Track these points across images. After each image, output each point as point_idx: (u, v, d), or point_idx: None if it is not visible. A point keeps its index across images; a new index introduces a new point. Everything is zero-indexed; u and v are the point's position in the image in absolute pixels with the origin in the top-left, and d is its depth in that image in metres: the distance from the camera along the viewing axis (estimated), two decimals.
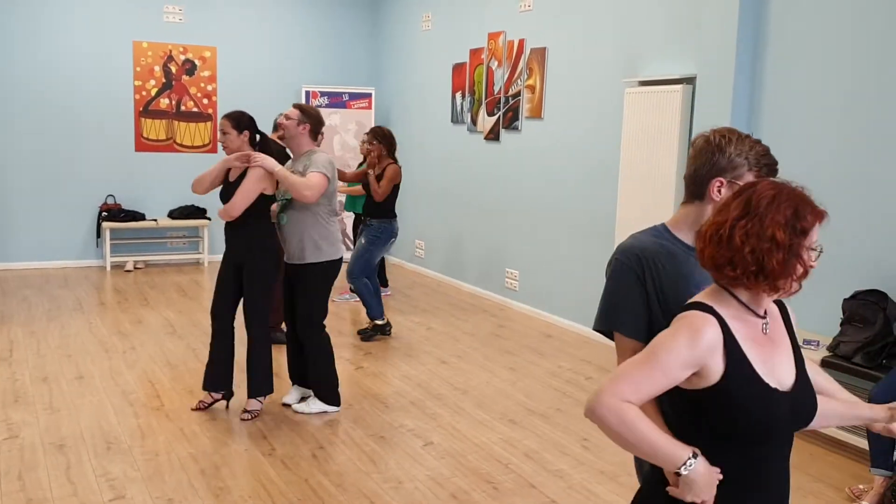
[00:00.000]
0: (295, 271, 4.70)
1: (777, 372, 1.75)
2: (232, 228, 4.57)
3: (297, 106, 4.77)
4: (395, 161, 6.54)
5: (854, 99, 4.64)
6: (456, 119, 8.55)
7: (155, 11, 9.19)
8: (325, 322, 4.82)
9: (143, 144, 9.31)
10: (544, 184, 7.21)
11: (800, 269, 1.69)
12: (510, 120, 7.63)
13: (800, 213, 1.68)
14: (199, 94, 9.50)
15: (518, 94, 7.49)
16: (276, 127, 6.35)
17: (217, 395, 4.76)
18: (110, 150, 9.15)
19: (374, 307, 6.41)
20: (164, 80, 9.32)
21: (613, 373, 1.74)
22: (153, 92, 9.30)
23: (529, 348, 6.33)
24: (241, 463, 4.08)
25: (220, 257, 4.79)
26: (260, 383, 4.66)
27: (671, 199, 5.53)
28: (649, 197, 5.75)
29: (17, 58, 8.61)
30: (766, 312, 1.79)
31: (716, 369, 1.69)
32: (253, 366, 4.64)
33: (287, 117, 4.68)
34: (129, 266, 9.08)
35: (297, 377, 4.94)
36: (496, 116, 7.83)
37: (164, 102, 9.35)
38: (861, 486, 3.90)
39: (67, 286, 8.09)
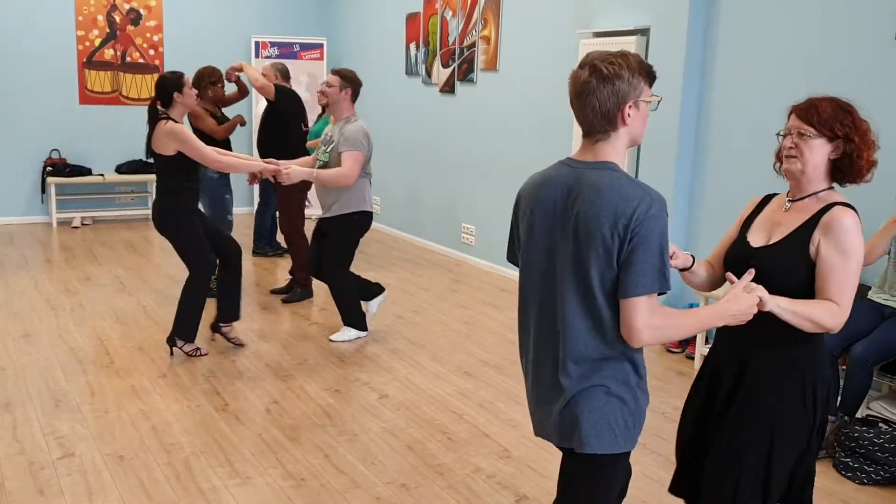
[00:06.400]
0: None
1: (755, 234, 2.36)
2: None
3: (335, 71, 5.01)
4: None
5: (806, 47, 4.66)
6: (410, 71, 8.42)
7: None
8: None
9: (87, 97, 9.02)
10: (499, 137, 7.16)
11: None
12: (465, 72, 7.54)
13: None
14: (144, 45, 9.21)
15: (473, 45, 7.39)
16: (227, 77, 6.21)
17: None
18: (53, 103, 8.85)
19: None
20: (108, 30, 9.01)
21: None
22: (97, 42, 8.98)
23: (484, 302, 6.35)
24: (194, 418, 4.04)
25: None
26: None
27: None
28: None
29: None
30: (790, 195, 2.34)
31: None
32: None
33: (329, 84, 4.97)
34: (77, 222, 8.86)
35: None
36: (451, 68, 7.73)
37: (108, 53, 9.04)
38: None
39: (12, 243, 7.87)
